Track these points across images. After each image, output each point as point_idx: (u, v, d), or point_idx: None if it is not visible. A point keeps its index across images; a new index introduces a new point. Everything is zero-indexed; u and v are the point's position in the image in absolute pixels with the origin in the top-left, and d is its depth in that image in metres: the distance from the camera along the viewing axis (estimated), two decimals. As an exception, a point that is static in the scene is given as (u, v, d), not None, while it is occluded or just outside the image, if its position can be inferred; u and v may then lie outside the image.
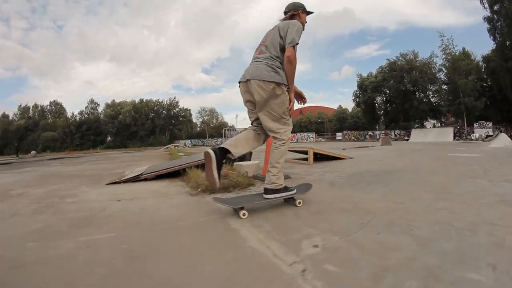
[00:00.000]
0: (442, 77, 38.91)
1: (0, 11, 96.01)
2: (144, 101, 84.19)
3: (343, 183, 3.98)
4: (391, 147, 16.07)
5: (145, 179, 4.89)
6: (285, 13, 2.87)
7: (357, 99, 50.64)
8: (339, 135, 48.69)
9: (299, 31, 2.59)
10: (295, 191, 2.66)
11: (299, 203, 2.65)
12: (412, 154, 9.84)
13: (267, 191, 2.56)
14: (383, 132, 43.75)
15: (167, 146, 43.77)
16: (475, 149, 11.62)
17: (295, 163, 7.38)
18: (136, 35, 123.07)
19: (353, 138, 45.69)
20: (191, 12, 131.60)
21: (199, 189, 3.55)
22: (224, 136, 61.66)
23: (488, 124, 26.92)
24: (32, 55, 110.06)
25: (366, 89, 48.27)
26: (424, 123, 47.01)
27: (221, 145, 2.49)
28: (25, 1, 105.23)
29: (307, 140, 50.37)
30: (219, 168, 2.36)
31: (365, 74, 50.55)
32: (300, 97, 3.00)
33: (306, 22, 2.89)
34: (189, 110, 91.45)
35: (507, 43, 28.80)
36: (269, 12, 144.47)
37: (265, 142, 2.91)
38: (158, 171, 5.12)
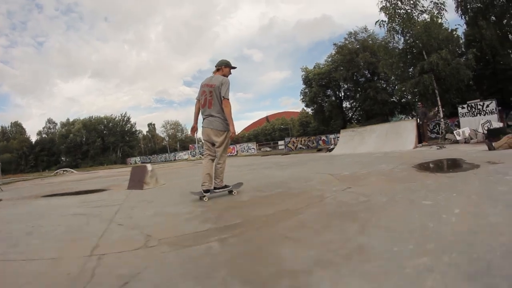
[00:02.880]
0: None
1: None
2: (94, 118, 69.96)
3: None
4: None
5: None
6: (215, 67, 4.16)
7: (305, 97, 35.13)
8: (281, 144, 33.56)
9: (228, 86, 3.91)
10: (231, 187, 4.13)
11: (234, 193, 4.07)
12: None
13: (216, 188, 4.03)
14: (338, 136, 28.59)
15: (56, 171, 32.40)
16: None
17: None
18: (117, 50, 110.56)
19: (300, 146, 30.51)
20: (171, 25, 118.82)
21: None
22: (188, 149, 51.96)
23: (488, 106, 11.37)
24: (14, 73, 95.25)
25: (312, 84, 32.97)
26: (392, 121, 31.86)
27: (203, 188, 3.90)
28: (5, 18, 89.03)
29: (247, 152, 35.71)
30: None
31: (311, 67, 35.10)
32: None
33: (230, 73, 4.17)
34: (153, 124, 77.91)
35: None
36: (247, 21, 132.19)
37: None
38: None
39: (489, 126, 10.56)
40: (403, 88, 16.20)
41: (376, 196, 3.07)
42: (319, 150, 17.07)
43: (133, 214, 3.39)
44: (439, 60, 13.15)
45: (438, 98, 13.85)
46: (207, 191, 3.85)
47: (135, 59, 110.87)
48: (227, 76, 4.05)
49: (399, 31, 15.03)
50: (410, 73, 15.18)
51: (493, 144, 6.96)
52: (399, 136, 11.82)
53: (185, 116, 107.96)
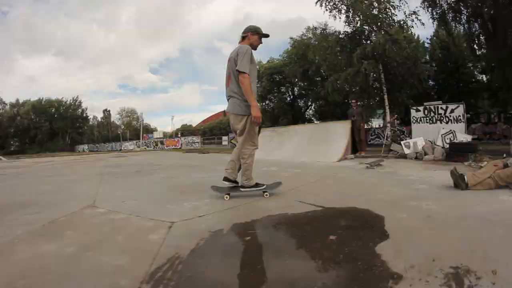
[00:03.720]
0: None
1: None
2: (45, 100, 61.60)
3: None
4: None
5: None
6: (241, 35, 2.99)
7: (260, 94, 30.73)
8: (225, 140, 29.44)
9: (246, 56, 2.70)
10: (264, 186, 2.99)
11: (266, 195, 2.97)
12: None
13: (242, 186, 2.98)
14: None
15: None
16: None
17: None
18: (85, 29, 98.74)
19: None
20: (144, 9, 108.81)
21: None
22: (141, 139, 45.66)
23: (453, 111, 7.47)
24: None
25: (262, 79, 28.68)
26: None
27: (224, 175, 2.96)
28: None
29: (191, 145, 31.66)
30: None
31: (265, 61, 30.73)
32: None
33: (260, 42, 2.98)
34: (109, 110, 70.12)
35: None
36: (222, 13, 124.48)
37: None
38: None
39: (452, 139, 6.66)
40: (338, 80, 12.07)
41: None
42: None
43: None
44: (387, 42, 9.06)
45: (386, 96, 9.83)
46: (226, 179, 2.96)
47: (102, 41, 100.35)
48: (255, 47, 2.97)
49: (342, 9, 11.00)
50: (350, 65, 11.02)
51: (465, 177, 2.87)
52: (326, 141, 7.84)
53: (148, 104, 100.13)
